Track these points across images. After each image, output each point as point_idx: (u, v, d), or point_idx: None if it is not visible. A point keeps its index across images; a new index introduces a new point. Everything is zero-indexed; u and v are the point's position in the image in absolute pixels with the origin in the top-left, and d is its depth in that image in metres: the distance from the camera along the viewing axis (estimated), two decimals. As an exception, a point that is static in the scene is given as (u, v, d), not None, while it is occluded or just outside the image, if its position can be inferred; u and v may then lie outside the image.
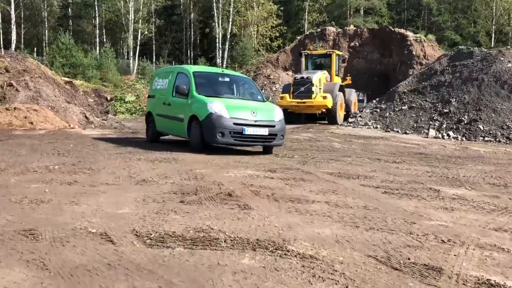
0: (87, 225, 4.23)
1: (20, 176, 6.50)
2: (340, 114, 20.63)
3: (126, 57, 51.36)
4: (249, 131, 9.12)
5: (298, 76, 20.30)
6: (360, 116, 18.87)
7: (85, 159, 8.22)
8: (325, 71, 21.33)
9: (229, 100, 9.91)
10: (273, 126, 9.48)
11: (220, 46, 48.36)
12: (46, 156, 8.53)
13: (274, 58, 33.64)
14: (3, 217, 4.48)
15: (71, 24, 53.00)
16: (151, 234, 3.92)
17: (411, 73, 26.91)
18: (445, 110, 16.44)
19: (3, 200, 5.13)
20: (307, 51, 22.74)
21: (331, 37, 32.40)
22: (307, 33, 34.60)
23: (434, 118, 16.46)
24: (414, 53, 27.07)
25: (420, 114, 17.06)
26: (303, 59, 21.91)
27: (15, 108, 16.94)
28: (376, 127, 17.46)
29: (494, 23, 53.10)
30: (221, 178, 6.53)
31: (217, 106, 9.20)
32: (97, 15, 50.44)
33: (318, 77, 20.14)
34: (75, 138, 12.41)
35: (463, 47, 20.39)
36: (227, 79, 10.88)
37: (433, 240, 3.98)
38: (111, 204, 5.02)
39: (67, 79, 28.32)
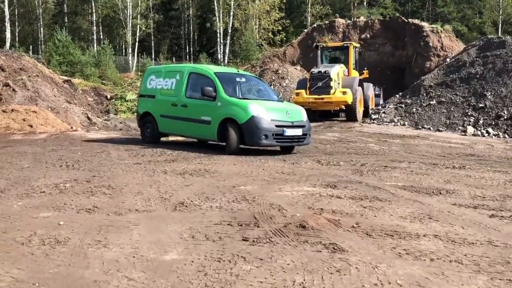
0: (127, 287, 2.94)
1: (25, 200, 5.19)
2: (360, 110, 19.34)
3: (124, 53, 49.86)
4: (288, 132, 9.26)
5: (315, 70, 18.95)
6: (384, 112, 17.58)
7: (100, 172, 6.91)
8: (342, 65, 20.01)
9: (264, 102, 9.84)
10: (304, 126, 9.66)
11: (221, 41, 46.83)
12: (53, 169, 7.21)
13: (281, 52, 32.24)
14: (7, 272, 3.19)
15: (66, 21, 51.37)
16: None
17: (428, 65, 25.66)
18: (480, 105, 15.17)
19: (6, 240, 3.84)
20: (323, 44, 21.40)
21: (340, 29, 31.01)
22: (315, 25, 33.15)
23: (469, 113, 15.19)
24: (431, 44, 25.71)
25: (452, 109, 15.78)
26: (318, 52, 20.55)
27: (12, 110, 15.55)
28: (404, 124, 16.19)
29: (501, 13, 51.81)
30: (277, 198, 5.23)
31: (258, 109, 9.17)
32: (93, 11, 48.84)
33: (336, 71, 18.83)
34: (81, 144, 11.09)
35: (492, 36, 19.10)
36: (244, 80, 10.76)
37: None
38: (151, 244, 3.72)
39: (65, 77, 26.91)
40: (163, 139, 11.63)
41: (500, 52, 16.68)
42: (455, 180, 6.67)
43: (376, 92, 23.15)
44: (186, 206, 4.90)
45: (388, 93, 25.15)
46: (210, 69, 10.69)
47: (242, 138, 9.17)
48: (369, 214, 4.62)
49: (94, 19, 49.27)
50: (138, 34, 47.18)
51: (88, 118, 19.65)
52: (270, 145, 9.37)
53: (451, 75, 17.35)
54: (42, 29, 50.30)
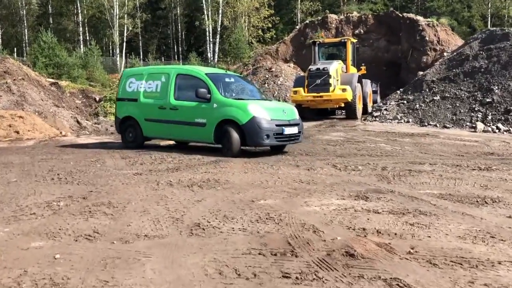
0: None
1: (13, 225, 4.44)
2: (359, 107, 18.72)
3: (112, 54, 48.81)
4: (287, 131, 9.27)
5: (313, 67, 18.25)
6: (386, 109, 16.97)
7: (97, 186, 6.16)
8: (340, 61, 19.35)
9: (260, 102, 9.77)
10: (299, 124, 9.73)
11: (211, 40, 45.97)
12: (44, 183, 6.45)
13: (273, 50, 31.51)
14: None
15: (51, 22, 50.08)
16: None
17: (424, 60, 25.13)
18: (488, 100, 14.61)
19: (-10, 284, 3.11)
20: (319, 40, 20.72)
21: (333, 25, 30.37)
22: (307, 21, 32.44)
23: (475, 109, 14.62)
24: (427, 38, 25.13)
25: (457, 105, 15.21)
26: (316, 49, 19.87)
27: (-3, 116, 14.69)
28: (408, 121, 15.58)
29: (489, 6, 51.59)
30: (306, 215, 4.54)
31: (258, 109, 9.09)
32: (79, 11, 47.66)
33: (335, 68, 18.16)
34: (73, 151, 10.31)
35: (495, 28, 18.56)
36: (232, 80, 10.61)
37: None
38: (171, 285, 3.02)
39: (52, 80, 25.94)
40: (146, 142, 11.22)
41: (504, 45, 16.13)
42: (493, 186, 6.02)
43: (373, 89, 22.55)
44: (203, 229, 4.18)
45: (384, 89, 24.61)
46: (200, 70, 10.47)
47: (243, 140, 9.03)
48: (421, 234, 3.94)
49: (80, 19, 48.08)
50: (125, 34, 46.17)
51: (78, 122, 18.80)
52: (271, 144, 9.37)
53: (454, 70, 16.78)
54: (26, 31, 49.05)
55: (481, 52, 16.57)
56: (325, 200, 5.15)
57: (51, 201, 5.34)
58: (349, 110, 18.35)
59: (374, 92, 22.62)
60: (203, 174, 6.85)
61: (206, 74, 9.91)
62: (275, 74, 27.29)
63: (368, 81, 20.87)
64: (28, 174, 7.23)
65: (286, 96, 24.64)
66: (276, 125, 9.05)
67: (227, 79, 10.33)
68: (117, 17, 44.16)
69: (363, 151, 9.74)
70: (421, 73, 23.24)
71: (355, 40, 20.98)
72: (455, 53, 18.09)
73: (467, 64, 16.52)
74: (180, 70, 10.54)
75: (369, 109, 20.17)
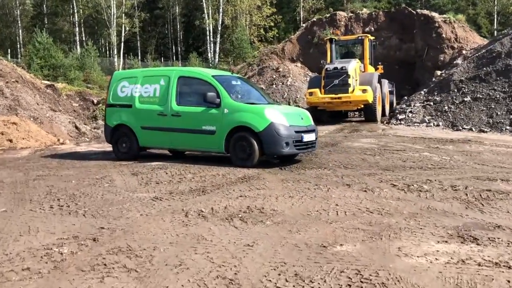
0: None
1: (-2, 292, 3.11)
2: (379, 109, 17.43)
3: (109, 55, 47.38)
4: (306, 137, 8.37)
5: (330, 66, 16.91)
6: (411, 112, 15.67)
7: (108, 219, 4.82)
8: (358, 60, 18.06)
9: (275, 106, 8.88)
10: (315, 130, 8.87)
11: (211, 39, 44.59)
12: (41, 214, 5.11)
13: (279, 49, 30.12)
14: None
15: (46, 22, 48.57)
16: None
17: (442, 58, 23.80)
18: (528, 101, 13.33)
19: None
20: (334, 37, 19.41)
21: (342, 23, 29.00)
22: (314, 19, 31.04)
23: (515, 111, 13.34)
24: (444, 36, 23.78)
25: (492, 106, 13.92)
26: (332, 47, 18.54)
27: (-12, 123, 13.32)
28: (438, 125, 14.29)
29: (496, 3, 50.42)
30: (416, 276, 3.20)
31: (276, 114, 8.18)
32: (75, 11, 46.19)
33: (354, 67, 16.85)
34: (73, 164, 8.96)
35: (528, 23, 17.28)
36: (239, 82, 9.70)
37: None
38: None
39: (47, 82, 24.54)
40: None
41: (540, 41, 14.88)
42: None
43: (389, 89, 21.27)
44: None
45: (398, 89, 23.37)
46: (206, 72, 9.40)
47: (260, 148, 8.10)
48: None
49: (76, 19, 46.63)
50: (123, 34, 44.79)
51: (76, 127, 17.44)
52: (291, 153, 8.36)
53: (484, 68, 15.49)
54: (20, 31, 47.71)
55: (514, 49, 15.29)
56: (423, 244, 3.82)
57: (51, 246, 4.01)
58: (368, 112, 17.04)
59: (390, 92, 21.32)
60: (239, 200, 5.50)
61: (213, 76, 8.87)
62: (283, 75, 25.97)
63: (386, 81, 19.61)
64: (21, 200, 5.89)
65: (297, 97, 23.34)
66: (296, 132, 8.14)
67: (233, 82, 9.37)
68: (115, 16, 42.75)
69: (409, 162, 8.42)
70: (439, 72, 22.03)
71: (372, 38, 19.66)
72: (483, 51, 16.79)
73: (499, 62, 15.24)
74: (182, 73, 9.43)
75: (387, 111, 18.93)
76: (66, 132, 16.32)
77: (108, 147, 12.42)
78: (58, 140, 14.36)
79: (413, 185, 6.26)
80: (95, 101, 26.40)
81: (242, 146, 8.14)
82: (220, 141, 8.37)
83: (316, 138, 8.82)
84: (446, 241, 3.88)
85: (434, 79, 21.76)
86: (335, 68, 16.65)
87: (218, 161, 8.83)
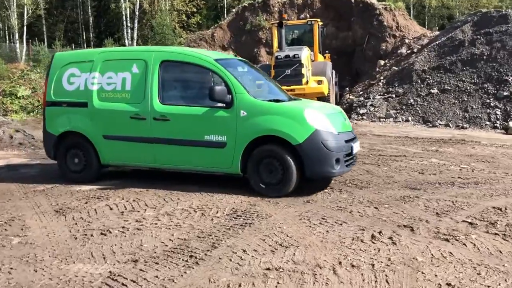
0: None
1: None
2: (333, 102, 15.76)
3: (9, 40, 42.06)
4: (355, 148, 6.04)
5: (281, 54, 14.82)
6: (372, 105, 14.10)
7: None
8: (307, 47, 16.20)
9: (312, 104, 6.62)
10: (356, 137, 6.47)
11: (128, 25, 40.95)
12: None
13: (208, 35, 27.73)
14: None
15: None
16: None
17: (384, 47, 22.70)
18: (504, 93, 12.19)
19: None
20: (284, 21, 17.37)
21: (275, 8, 27.16)
22: (246, 4, 28.91)
23: (491, 104, 12.16)
24: (385, 24, 22.67)
25: (465, 99, 12.68)
26: (282, 32, 16.46)
27: None
28: (408, 120, 12.81)
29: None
30: None
31: (320, 117, 5.69)
32: (-35, -11, 40.23)
33: (306, 56, 14.97)
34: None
35: (490, 10, 16.37)
36: (246, 69, 6.82)
37: None
38: None
39: None
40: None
41: (505, 28, 13.88)
42: None
43: (335, 80, 19.74)
44: None
45: (340, 79, 21.99)
46: (205, 54, 6.30)
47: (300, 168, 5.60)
48: None
49: (-33, -1, 40.68)
50: (26, 17, 39.75)
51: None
52: (342, 173, 5.93)
53: (448, 57, 14.27)
54: None
55: (478, 37, 14.20)
56: None
57: None
58: (323, 106, 15.28)
59: (335, 83, 19.83)
60: (284, 259, 3.21)
61: (216, 60, 6.05)
62: (216, 63, 23.62)
63: (333, 71, 18.00)
64: None
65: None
66: (345, 142, 5.79)
67: (240, 68, 6.51)
68: (15, -4, 37.70)
69: (429, 175, 6.60)
70: (382, 62, 20.98)
71: (321, 23, 17.92)
72: (444, 38, 15.61)
73: (463, 51, 14.07)
74: (167, 55, 6.40)
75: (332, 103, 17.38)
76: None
77: (14, 156, 9.45)
78: None
79: (493, 223, 4.34)
80: (-8, 93, 22.40)
81: (270, 166, 5.68)
82: (233, 157, 5.85)
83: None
84: None
85: (377, 68, 20.67)
86: (287, 56, 14.60)
87: (180, 177, 6.40)
